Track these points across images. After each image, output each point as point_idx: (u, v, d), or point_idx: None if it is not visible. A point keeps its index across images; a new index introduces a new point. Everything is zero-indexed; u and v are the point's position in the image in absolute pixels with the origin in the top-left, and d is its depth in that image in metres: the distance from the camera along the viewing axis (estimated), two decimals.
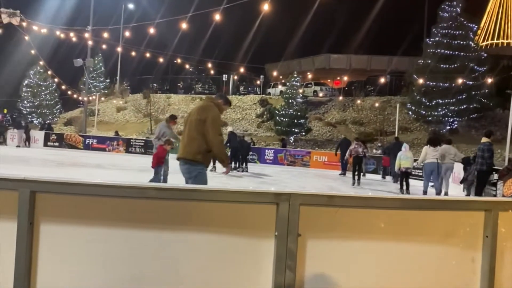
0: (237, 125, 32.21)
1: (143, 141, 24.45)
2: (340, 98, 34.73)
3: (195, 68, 40.55)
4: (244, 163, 16.79)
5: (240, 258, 2.06)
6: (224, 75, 39.11)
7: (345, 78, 36.78)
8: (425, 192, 11.46)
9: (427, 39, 28.06)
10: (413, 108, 27.19)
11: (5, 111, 57.48)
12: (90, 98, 33.79)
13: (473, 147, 25.35)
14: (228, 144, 16.01)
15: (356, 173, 13.93)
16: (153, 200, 1.99)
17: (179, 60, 29.55)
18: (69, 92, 32.95)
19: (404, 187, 11.93)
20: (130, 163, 17.47)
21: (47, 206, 1.96)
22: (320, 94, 36.37)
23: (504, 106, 28.40)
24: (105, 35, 19.96)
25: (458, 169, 13.13)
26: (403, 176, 12.05)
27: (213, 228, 2.05)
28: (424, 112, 26.78)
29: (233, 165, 16.17)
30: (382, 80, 29.37)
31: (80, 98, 33.27)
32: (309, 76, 41.92)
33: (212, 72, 32.93)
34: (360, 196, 2.14)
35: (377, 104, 30.40)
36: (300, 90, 31.22)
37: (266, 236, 2.07)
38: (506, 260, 2.40)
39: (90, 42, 23.96)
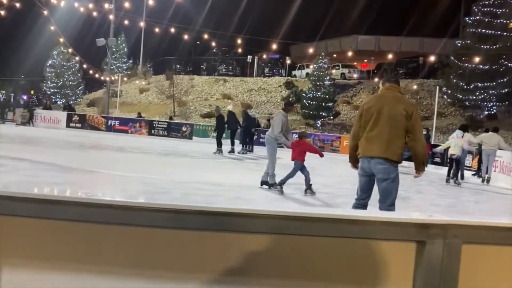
0: (262, 108, 31.23)
1: (166, 123, 23.79)
2: (376, 79, 33.20)
3: (218, 49, 39.54)
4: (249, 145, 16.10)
5: None
6: (248, 56, 37.99)
7: (390, 56, 35.19)
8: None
9: (466, 18, 26.26)
10: (449, 91, 25.62)
11: (32, 92, 57.99)
12: (113, 78, 33.31)
13: None
14: (226, 126, 15.13)
15: None
16: (198, 232, 1.11)
17: (205, 36, 28.45)
18: (91, 72, 32.49)
19: (453, 175, 11.23)
20: (153, 146, 16.79)
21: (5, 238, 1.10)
22: (354, 76, 34.92)
23: None
24: (126, 4, 19.08)
25: (508, 158, 12.04)
26: (451, 163, 11.33)
27: (300, 281, 1.16)
28: (461, 96, 25.21)
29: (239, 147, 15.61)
30: (432, 58, 27.70)
31: (102, 78, 32.83)
32: (337, 57, 40.43)
33: (239, 50, 31.70)
34: None
35: (414, 87, 29.03)
36: (334, 71, 30.04)
37: None
38: None
39: (111, 17, 23.13)
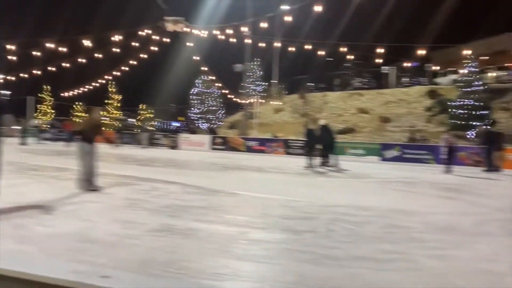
0: (402, 121, 29.13)
1: (302, 142, 23.60)
2: None
3: (352, 63, 38.46)
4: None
5: None
6: (384, 67, 36.11)
7: None
8: None
9: None
10: None
11: (182, 119, 64.13)
12: (249, 101, 34.71)
13: None
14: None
15: None
16: None
17: (342, 49, 27.64)
18: (229, 96, 34.38)
19: None
20: (289, 165, 16.64)
21: None
22: None
23: None
24: (263, 25, 19.63)
25: None
26: None
27: None
28: None
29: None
30: None
31: (239, 101, 34.49)
32: (488, 60, 35.86)
33: (379, 60, 30.11)
34: None
35: None
36: (489, 74, 26.84)
37: None
38: None
39: (247, 41, 24.08)
